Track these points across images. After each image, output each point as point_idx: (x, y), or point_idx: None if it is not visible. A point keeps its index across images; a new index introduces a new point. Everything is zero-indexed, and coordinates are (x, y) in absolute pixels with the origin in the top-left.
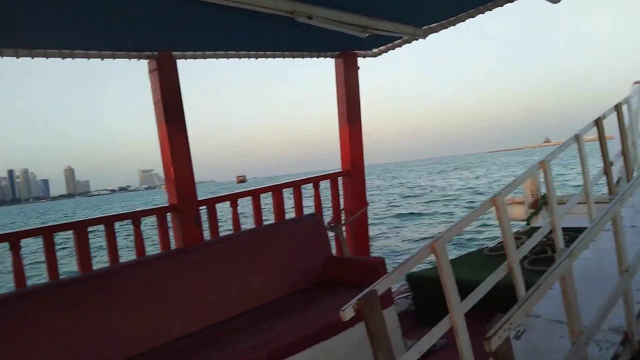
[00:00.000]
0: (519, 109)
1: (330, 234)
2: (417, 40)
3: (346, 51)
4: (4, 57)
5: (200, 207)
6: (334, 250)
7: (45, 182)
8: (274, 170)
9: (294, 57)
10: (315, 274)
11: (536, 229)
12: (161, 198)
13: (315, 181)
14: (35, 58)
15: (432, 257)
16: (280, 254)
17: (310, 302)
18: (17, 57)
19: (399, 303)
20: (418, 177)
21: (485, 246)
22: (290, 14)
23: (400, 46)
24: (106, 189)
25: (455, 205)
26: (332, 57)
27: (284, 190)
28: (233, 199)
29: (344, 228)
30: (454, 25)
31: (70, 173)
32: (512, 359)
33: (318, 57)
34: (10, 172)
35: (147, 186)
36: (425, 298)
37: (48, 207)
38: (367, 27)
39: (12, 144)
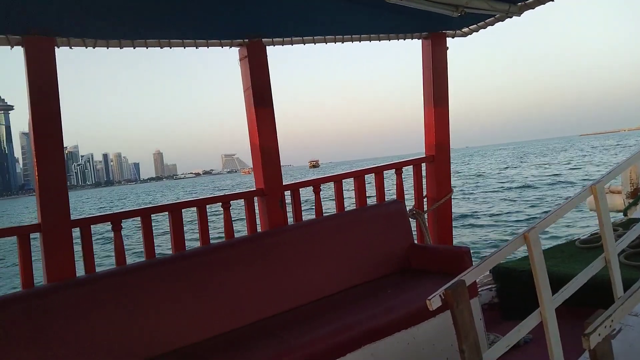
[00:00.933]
0: (615, 87)
1: (412, 222)
2: (510, 18)
3: (434, 32)
4: (109, 48)
5: (285, 192)
6: (416, 239)
7: (137, 165)
8: (349, 154)
9: (380, 39)
10: (398, 261)
11: (635, 220)
12: (240, 181)
13: (398, 167)
14: (137, 48)
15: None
16: (362, 240)
17: (394, 289)
18: (121, 48)
19: (482, 295)
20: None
21: (576, 238)
22: None
23: (492, 24)
24: (191, 173)
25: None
26: (419, 39)
27: (366, 175)
28: (316, 184)
29: (426, 215)
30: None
31: (159, 157)
32: (611, 358)
33: (405, 39)
34: (105, 156)
35: (229, 170)
36: (511, 291)
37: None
38: (460, 5)
39: (107, 130)
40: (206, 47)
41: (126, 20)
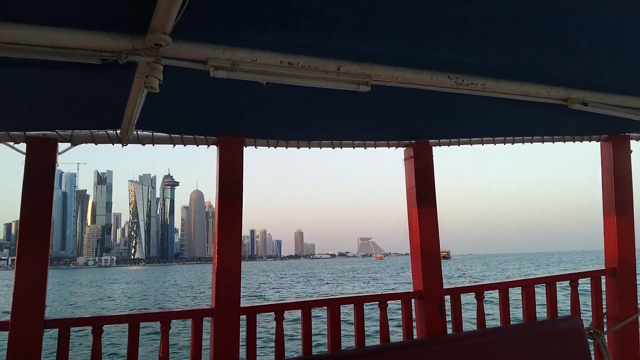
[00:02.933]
0: None
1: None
2: None
3: (617, 134)
4: (288, 148)
5: (445, 296)
6: None
7: (279, 242)
8: (482, 247)
9: (554, 141)
10: None
11: None
12: (372, 265)
13: (574, 278)
14: (312, 148)
15: None
16: (530, 359)
17: None
18: (298, 148)
19: None
20: None
21: None
22: (564, 102)
23: None
24: (327, 253)
25: None
26: (598, 140)
27: (535, 286)
28: (480, 291)
29: (606, 337)
30: None
31: (299, 236)
32: None
33: (582, 141)
34: (252, 232)
35: (363, 253)
36: None
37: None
38: None
39: (255, 207)
40: (374, 148)
41: (304, 125)
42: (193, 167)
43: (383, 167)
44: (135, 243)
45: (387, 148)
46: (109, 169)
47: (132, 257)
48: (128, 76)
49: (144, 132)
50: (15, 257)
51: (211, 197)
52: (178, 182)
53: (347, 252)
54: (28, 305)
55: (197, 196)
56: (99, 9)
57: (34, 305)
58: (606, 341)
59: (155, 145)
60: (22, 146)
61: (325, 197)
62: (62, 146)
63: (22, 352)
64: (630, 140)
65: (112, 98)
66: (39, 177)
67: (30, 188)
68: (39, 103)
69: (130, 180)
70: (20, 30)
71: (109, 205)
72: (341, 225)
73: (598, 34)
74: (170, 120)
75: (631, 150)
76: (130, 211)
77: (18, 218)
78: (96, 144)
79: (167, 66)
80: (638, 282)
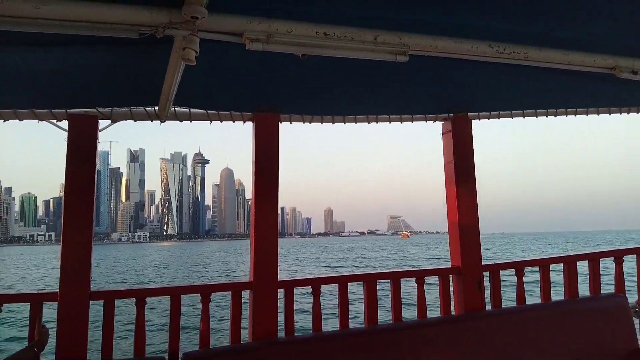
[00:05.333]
0: None
1: (636, 321)
2: None
3: None
4: (323, 123)
5: (484, 272)
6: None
7: (309, 220)
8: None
9: (610, 113)
10: None
11: None
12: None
13: (618, 255)
14: (347, 123)
15: None
16: (571, 338)
17: None
18: (333, 123)
19: None
20: None
21: None
22: (612, 70)
23: None
24: (356, 231)
25: None
26: None
27: (578, 262)
28: (520, 267)
29: None
30: None
31: (329, 214)
32: None
33: (629, 113)
34: (282, 209)
35: (393, 231)
36: None
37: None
38: None
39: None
40: (411, 122)
41: (340, 100)
42: (223, 145)
43: (415, 142)
44: (168, 219)
45: (424, 122)
46: (141, 147)
47: (164, 233)
48: (165, 51)
49: (181, 109)
50: (52, 233)
51: (240, 174)
52: (208, 160)
53: (377, 230)
54: (74, 278)
55: (227, 174)
56: None
57: (80, 278)
58: None
59: (192, 121)
60: (64, 124)
61: (356, 174)
62: (102, 123)
63: (70, 322)
64: None
65: (149, 74)
66: (82, 154)
67: (73, 165)
68: (79, 81)
69: (161, 158)
70: (61, 7)
71: (141, 182)
72: (371, 203)
73: None
74: (207, 96)
75: None
76: (162, 188)
77: (56, 195)
78: (135, 121)
79: (203, 40)
80: None
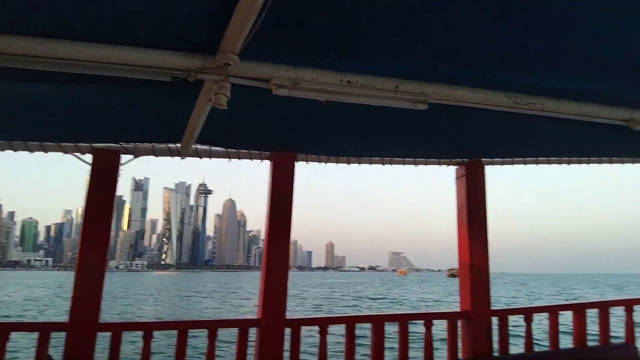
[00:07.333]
0: None
1: None
2: None
3: None
4: (338, 164)
5: (492, 317)
6: None
7: (310, 253)
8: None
9: (623, 162)
10: None
11: None
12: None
13: (628, 304)
14: (362, 164)
15: None
16: None
17: None
18: (349, 164)
19: None
20: None
21: None
22: (627, 123)
23: None
24: (357, 267)
25: None
26: None
27: (586, 310)
28: (528, 313)
29: None
30: None
31: (330, 248)
32: None
33: (633, 163)
34: None
35: (394, 268)
36: None
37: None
38: None
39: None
40: (425, 165)
41: (356, 142)
42: (227, 176)
43: (420, 182)
44: (167, 249)
45: (439, 166)
46: (146, 176)
47: (162, 262)
48: (193, 93)
49: (202, 147)
50: (50, 258)
51: (243, 206)
52: (212, 190)
53: (378, 266)
54: (85, 309)
55: (230, 205)
56: (172, 30)
57: (90, 308)
58: None
59: (212, 158)
60: (87, 157)
61: (359, 211)
62: (124, 157)
63: (77, 352)
64: None
65: (175, 113)
66: (103, 187)
67: (94, 196)
68: (105, 117)
69: (165, 187)
70: (99, 50)
71: (144, 210)
72: (373, 238)
73: None
74: (228, 135)
75: None
76: (164, 217)
77: (58, 221)
78: (157, 156)
79: (232, 84)
80: None
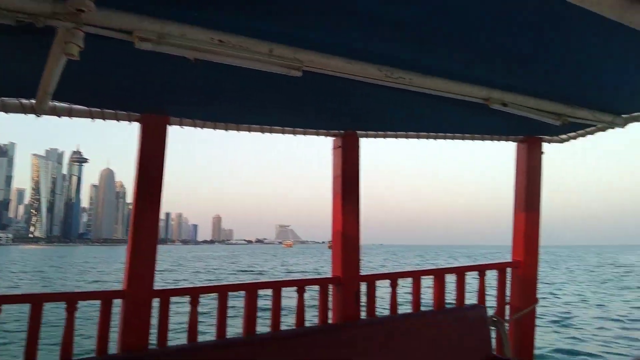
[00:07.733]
0: None
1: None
2: (612, 129)
3: (531, 136)
4: (216, 130)
5: (361, 282)
6: (494, 349)
7: (195, 226)
8: (412, 239)
9: (474, 139)
10: None
11: None
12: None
13: (481, 269)
14: (240, 132)
15: None
16: (437, 344)
17: None
18: (226, 130)
19: None
20: None
21: None
22: (485, 101)
23: (592, 134)
24: (244, 240)
25: None
26: (514, 141)
27: (446, 275)
28: (394, 278)
29: (507, 325)
30: None
31: (217, 221)
32: None
33: (499, 140)
34: (167, 215)
35: (280, 240)
36: None
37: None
38: (563, 114)
39: (172, 189)
40: (303, 135)
41: (233, 107)
42: (107, 145)
43: (306, 155)
44: (36, 221)
45: (316, 136)
46: (12, 141)
47: (30, 235)
48: (46, 42)
49: (62, 104)
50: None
51: (122, 176)
52: (87, 159)
53: (265, 239)
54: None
55: (108, 174)
56: None
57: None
58: (507, 329)
59: (72, 117)
60: None
61: (247, 183)
62: None
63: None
64: (543, 143)
65: (28, 65)
66: None
67: None
68: None
69: (33, 154)
70: None
71: (9, 179)
72: (262, 212)
73: (519, 39)
74: (91, 93)
75: (542, 152)
76: (32, 187)
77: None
78: (7, 113)
79: (89, 34)
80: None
